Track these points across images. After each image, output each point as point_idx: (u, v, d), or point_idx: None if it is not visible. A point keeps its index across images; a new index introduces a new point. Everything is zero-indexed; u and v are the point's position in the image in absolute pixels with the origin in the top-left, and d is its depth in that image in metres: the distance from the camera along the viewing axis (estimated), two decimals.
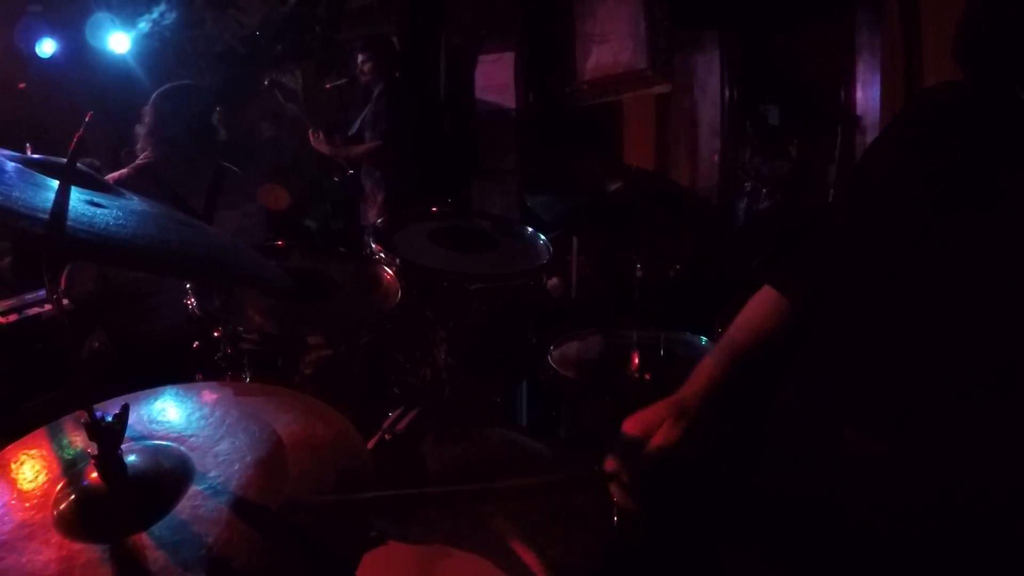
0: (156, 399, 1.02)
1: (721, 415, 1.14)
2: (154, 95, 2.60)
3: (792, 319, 1.19)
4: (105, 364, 2.47)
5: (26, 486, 0.86)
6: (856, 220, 1.10)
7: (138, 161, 2.57)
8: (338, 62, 5.49)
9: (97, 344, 2.52)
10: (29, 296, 3.10)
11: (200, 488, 0.83)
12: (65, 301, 2.32)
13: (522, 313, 2.14)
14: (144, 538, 0.77)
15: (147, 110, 2.60)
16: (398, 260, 1.95)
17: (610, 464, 1.11)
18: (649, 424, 1.11)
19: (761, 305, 1.23)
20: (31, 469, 0.88)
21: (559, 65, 4.47)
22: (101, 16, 4.29)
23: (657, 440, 1.09)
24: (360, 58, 4.50)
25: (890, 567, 0.94)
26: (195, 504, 0.81)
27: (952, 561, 0.89)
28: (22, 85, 4.54)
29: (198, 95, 2.68)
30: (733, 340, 1.20)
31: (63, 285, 2.30)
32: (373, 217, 4.40)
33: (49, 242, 0.75)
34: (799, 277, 1.20)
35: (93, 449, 0.81)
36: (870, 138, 2.95)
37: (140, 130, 2.62)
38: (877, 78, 3.40)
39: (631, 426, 1.12)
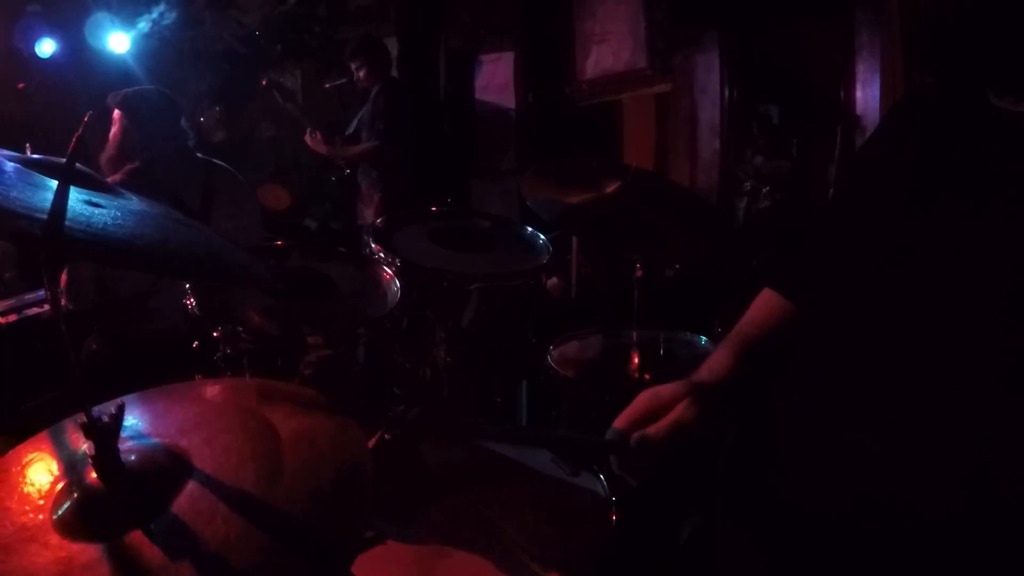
0: (154, 398, 1.02)
1: (730, 407, 1.15)
2: (121, 107, 2.54)
3: (797, 318, 1.20)
4: (103, 365, 2.47)
5: (26, 489, 0.86)
6: (845, 221, 1.13)
7: (129, 166, 2.52)
8: (338, 62, 5.48)
9: (95, 345, 2.52)
10: (29, 296, 3.10)
11: (198, 485, 0.83)
12: (63, 300, 2.31)
13: (522, 313, 2.14)
14: (142, 536, 0.77)
15: (115, 124, 2.55)
16: (398, 260, 1.95)
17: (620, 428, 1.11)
18: (664, 401, 1.10)
19: (767, 304, 1.25)
20: (32, 472, 0.88)
21: (559, 65, 4.47)
22: (101, 16, 4.29)
23: (671, 418, 1.09)
24: (353, 65, 4.46)
25: (890, 567, 0.94)
26: (193, 500, 0.81)
27: (954, 560, 0.89)
28: (21, 85, 4.53)
29: (157, 97, 2.62)
30: (745, 335, 1.22)
31: (63, 299, 2.29)
32: (370, 216, 4.39)
33: (47, 242, 0.75)
34: (799, 280, 1.22)
35: (90, 449, 0.81)
36: None
37: (113, 148, 2.57)
38: (877, 78, 3.40)
39: (645, 399, 1.11)
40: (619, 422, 1.11)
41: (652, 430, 1.08)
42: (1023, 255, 0.87)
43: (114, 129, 2.58)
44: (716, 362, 1.18)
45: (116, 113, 2.57)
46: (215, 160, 2.72)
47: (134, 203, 1.00)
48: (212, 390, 1.05)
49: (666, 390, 1.12)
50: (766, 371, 1.17)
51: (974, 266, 0.91)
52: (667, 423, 1.08)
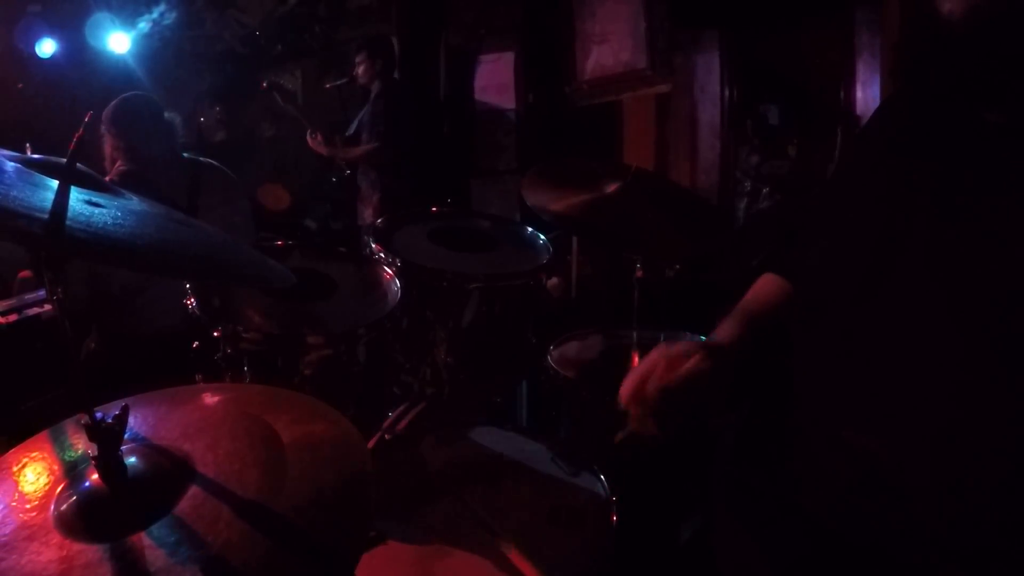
0: (156, 400, 1.02)
1: (736, 381, 1.17)
2: (107, 121, 2.53)
3: (793, 298, 1.23)
4: (103, 364, 2.47)
5: (28, 488, 0.86)
6: (836, 216, 1.14)
7: (119, 167, 2.52)
8: (338, 62, 5.49)
9: (93, 345, 2.52)
10: (29, 296, 3.10)
11: (200, 488, 0.83)
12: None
13: (522, 313, 2.14)
14: (144, 538, 0.77)
15: (104, 137, 2.54)
16: (398, 260, 1.95)
17: (626, 390, 1.14)
18: (678, 355, 1.14)
19: (767, 285, 1.28)
20: (33, 472, 0.88)
21: (559, 65, 4.47)
22: (101, 16, 4.30)
23: (689, 367, 1.12)
24: (357, 59, 4.46)
25: (888, 565, 0.94)
26: (195, 504, 0.81)
27: (949, 559, 0.89)
28: (21, 85, 4.54)
29: (141, 103, 2.61)
30: (748, 310, 1.25)
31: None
32: (369, 217, 4.39)
33: (48, 242, 0.75)
34: (795, 263, 1.25)
35: (93, 450, 0.81)
36: None
37: (108, 160, 2.56)
38: (877, 78, 3.40)
39: (660, 353, 1.15)
40: (633, 375, 1.15)
41: (671, 377, 1.11)
42: (1004, 260, 0.88)
43: (107, 143, 2.59)
44: (723, 330, 1.22)
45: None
46: (201, 159, 2.69)
47: (134, 203, 1.00)
48: (215, 395, 1.05)
49: (681, 346, 1.16)
50: (766, 348, 1.19)
51: (959, 268, 0.92)
52: (685, 371, 1.11)
